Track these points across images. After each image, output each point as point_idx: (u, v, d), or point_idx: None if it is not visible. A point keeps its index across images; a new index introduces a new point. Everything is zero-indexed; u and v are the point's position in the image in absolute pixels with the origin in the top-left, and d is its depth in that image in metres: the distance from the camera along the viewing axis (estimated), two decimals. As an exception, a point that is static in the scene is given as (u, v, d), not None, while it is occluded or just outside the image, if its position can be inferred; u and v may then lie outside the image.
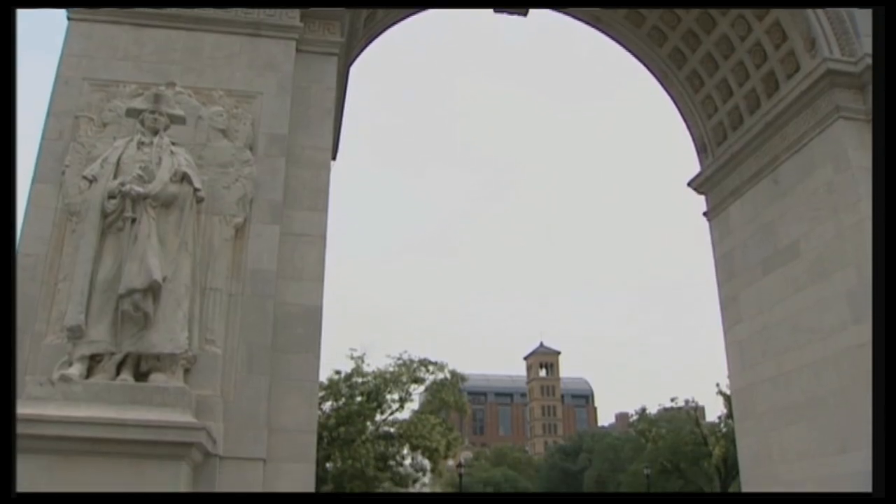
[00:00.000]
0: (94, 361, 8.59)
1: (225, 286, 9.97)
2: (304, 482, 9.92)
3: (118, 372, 8.65)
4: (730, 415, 43.90)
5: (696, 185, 16.89)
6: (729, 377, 16.85)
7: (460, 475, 49.49)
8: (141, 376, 8.74)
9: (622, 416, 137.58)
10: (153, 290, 8.77)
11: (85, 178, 9.28)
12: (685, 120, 17.02)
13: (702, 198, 16.93)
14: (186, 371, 9.18)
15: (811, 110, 12.41)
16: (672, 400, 57.73)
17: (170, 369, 8.82)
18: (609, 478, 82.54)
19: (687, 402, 56.46)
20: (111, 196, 8.96)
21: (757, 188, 14.69)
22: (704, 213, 16.72)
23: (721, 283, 16.04)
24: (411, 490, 43.79)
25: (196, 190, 9.49)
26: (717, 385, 49.39)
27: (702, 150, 16.75)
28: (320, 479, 36.70)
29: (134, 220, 8.95)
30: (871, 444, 4.61)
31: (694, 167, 17.11)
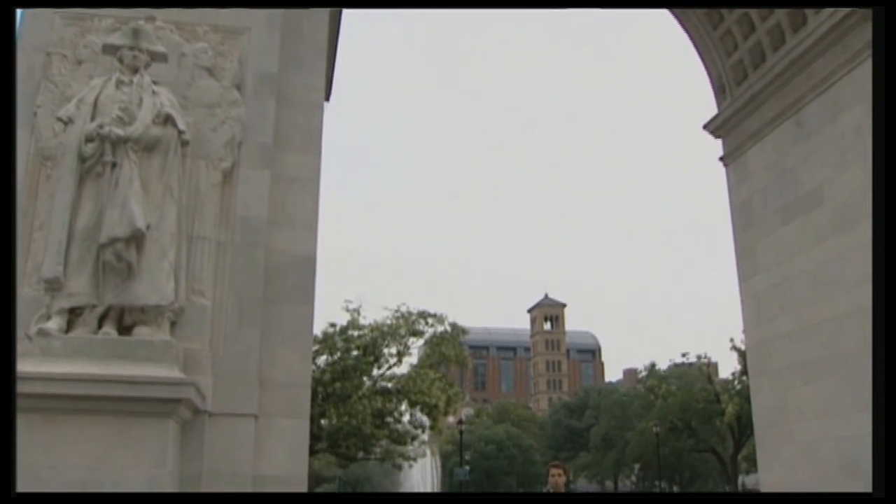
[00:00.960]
0: (73, 315, 8.56)
1: (213, 234, 9.93)
2: (297, 439, 10.03)
3: (100, 326, 8.62)
4: (744, 371, 44.19)
5: (713, 127, 16.69)
6: (744, 332, 16.90)
7: (461, 432, 50.26)
8: (124, 330, 8.73)
9: (630, 372, 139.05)
10: (136, 239, 8.71)
11: (60, 119, 9.13)
12: (702, 58, 16.73)
13: (718, 142, 16.76)
14: (173, 324, 9.18)
15: (840, 47, 12.18)
16: (683, 355, 57.65)
17: (155, 322, 8.81)
18: (616, 436, 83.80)
19: (699, 357, 56.53)
20: (89, 139, 8.83)
21: (778, 131, 14.51)
22: (721, 158, 16.57)
23: (737, 233, 15.98)
24: (409, 447, 44.42)
25: (180, 132, 9.36)
26: (732, 340, 49.34)
27: (719, 90, 16.51)
28: (315, 436, 37.21)
29: (114, 165, 8.84)
30: (872, 444, 4.77)
31: (711, 109, 16.90)
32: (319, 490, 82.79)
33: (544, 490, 8.38)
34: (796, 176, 13.81)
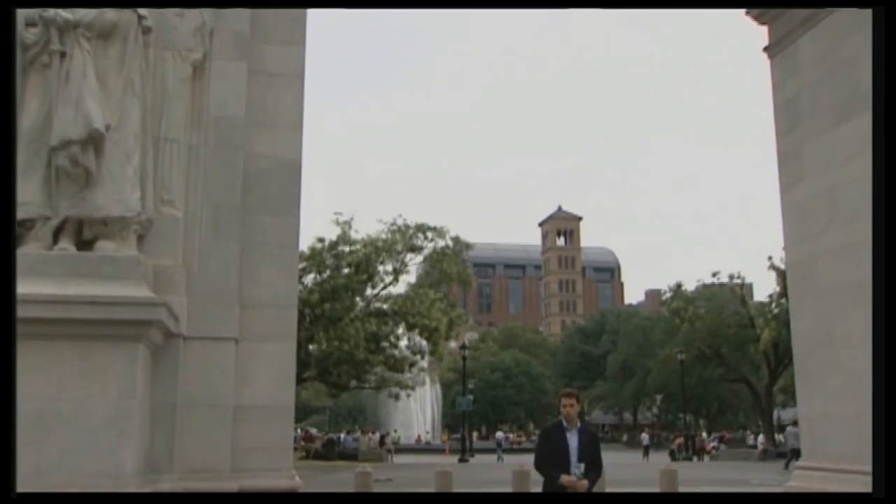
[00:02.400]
0: (24, 229, 8.41)
1: (183, 136, 9.75)
2: (283, 365, 10.09)
3: (55, 240, 8.50)
4: (783, 292, 44.39)
5: (757, 12, 16.18)
6: (784, 248, 16.83)
7: (463, 358, 50.99)
8: (84, 245, 8.60)
9: (653, 294, 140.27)
10: (94, 142, 8.51)
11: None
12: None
13: (763, 29, 16.31)
14: (140, 238, 9.08)
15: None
16: (714, 275, 57.48)
17: (120, 236, 8.68)
18: (636, 363, 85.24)
19: (731, 277, 56.19)
20: (30, 23, 8.54)
21: (835, 16, 14.06)
22: (765, 48, 16.13)
23: (781, 135, 15.69)
24: (407, 375, 45.14)
25: (141, 17, 9.05)
26: (770, 258, 49.33)
27: (768, -33, 15.96)
28: (302, 362, 37.76)
29: (64, 55, 8.57)
30: (872, 445, 5.04)
31: (757, -10, 16.37)
32: (308, 422, 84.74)
33: (555, 421, 8.36)
34: (854, 69, 13.44)
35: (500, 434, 60.84)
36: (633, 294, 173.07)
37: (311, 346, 40.87)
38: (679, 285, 63.25)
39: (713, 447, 55.15)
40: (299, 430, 54.83)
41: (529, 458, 9.07)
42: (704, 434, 60.69)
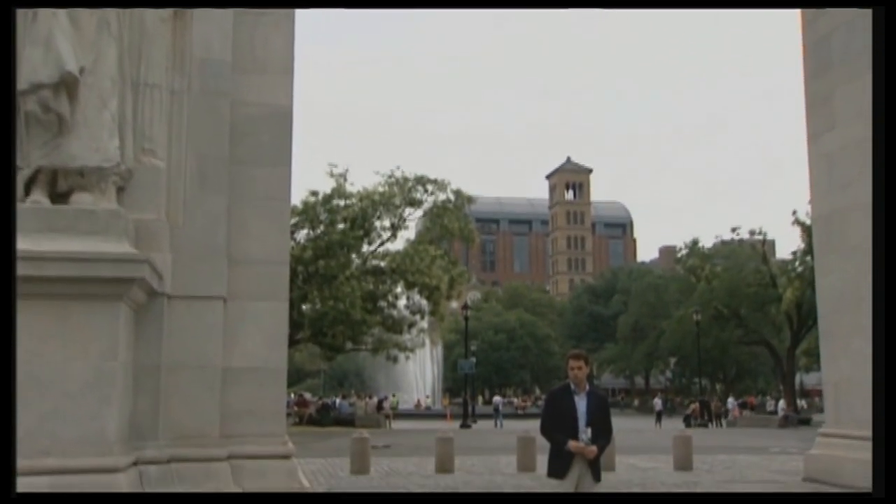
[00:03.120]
0: (-10, 180, 8.36)
1: (165, 81, 9.65)
2: (274, 325, 10.10)
3: (27, 192, 8.43)
4: (809, 249, 44.20)
5: (788, -55, 15.92)
6: (811, 201, 16.72)
7: (466, 319, 51.12)
8: (59, 198, 8.53)
9: (667, 251, 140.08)
10: (67, 86, 8.39)
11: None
12: None
13: (793, -37, 16.04)
14: (120, 190, 9.01)
15: None
16: (733, 230, 57.07)
17: (97, 188, 8.60)
18: (648, 324, 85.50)
19: (752, 233, 55.81)
20: None
21: (871, -50, 13.83)
22: (796, -15, 15.90)
23: (810, 77, 15.51)
24: (406, 336, 45.27)
25: (115, -52, 8.89)
26: (794, 213, 48.98)
27: None
28: (295, 323, 37.82)
29: (30, -10, 8.43)
30: (872, 444, 5.34)
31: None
32: (301, 386, 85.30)
33: (563, 384, 8.35)
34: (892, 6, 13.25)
35: (497, 398, 61.07)
36: (646, 251, 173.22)
37: (304, 306, 40.91)
38: (695, 242, 63.07)
39: (736, 413, 55.18)
40: (292, 395, 55.20)
41: (535, 424, 9.10)
42: (731, 400, 60.71)
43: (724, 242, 63.67)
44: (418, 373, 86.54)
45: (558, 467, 7.97)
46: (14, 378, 5.92)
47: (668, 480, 16.42)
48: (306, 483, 10.28)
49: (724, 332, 63.30)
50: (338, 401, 52.34)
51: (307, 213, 40.14)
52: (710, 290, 57.68)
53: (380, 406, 49.75)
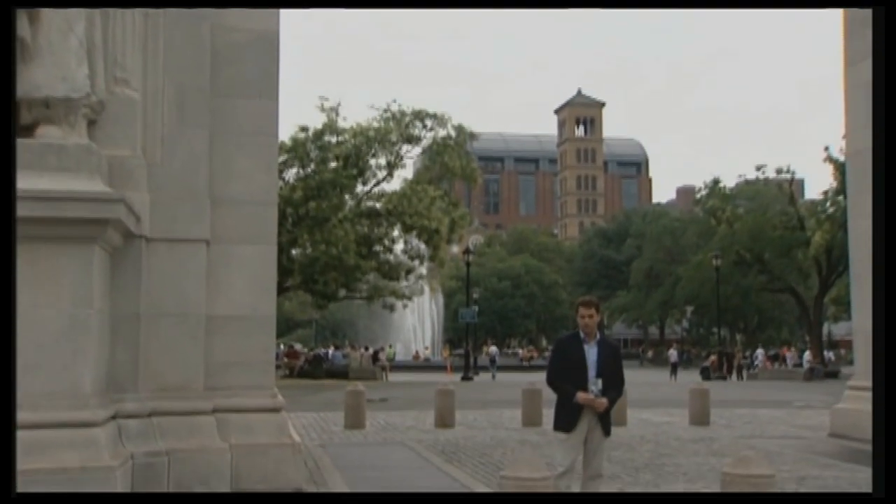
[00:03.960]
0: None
1: (138, 3, 9.52)
2: (262, 270, 10.11)
3: (-12, 124, 8.38)
4: (841, 189, 44.03)
5: None
6: (846, 135, 16.61)
7: (467, 264, 51.19)
8: (23, 131, 8.43)
9: (685, 192, 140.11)
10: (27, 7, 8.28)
11: None
12: None
13: None
14: (91, 123, 8.94)
15: None
16: (758, 169, 56.64)
17: (66, 121, 8.52)
18: (664, 270, 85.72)
19: (779, 171, 55.35)
20: None
21: None
22: None
23: None
24: (403, 283, 45.42)
25: None
26: (826, 149, 48.71)
27: None
28: (284, 269, 37.89)
29: None
30: (872, 444, 5.70)
31: None
32: (291, 336, 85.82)
33: (572, 332, 8.36)
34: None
35: (493, 349, 61.27)
36: (663, 192, 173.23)
37: (293, 251, 40.96)
38: (716, 181, 62.74)
39: (768, 364, 55.21)
40: (282, 346, 55.56)
41: (541, 377, 9.13)
42: (759, 351, 60.91)
43: (747, 182, 63.42)
44: (416, 322, 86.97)
45: (566, 420, 8.03)
46: (14, 378, 5.96)
47: (684, 435, 16.60)
48: (297, 438, 10.39)
49: (745, 278, 63.39)
50: (330, 352, 52.72)
51: (296, 151, 39.99)
52: (731, 234, 57.64)
53: (375, 357, 50.10)
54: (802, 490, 10.55)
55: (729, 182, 65.83)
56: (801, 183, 62.40)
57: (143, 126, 9.49)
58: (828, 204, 51.36)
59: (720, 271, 56.62)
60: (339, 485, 10.68)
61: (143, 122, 9.47)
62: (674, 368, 53.33)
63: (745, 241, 56.86)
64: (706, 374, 48.98)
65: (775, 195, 58.07)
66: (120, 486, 7.89)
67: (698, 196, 68.24)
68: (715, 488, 9.83)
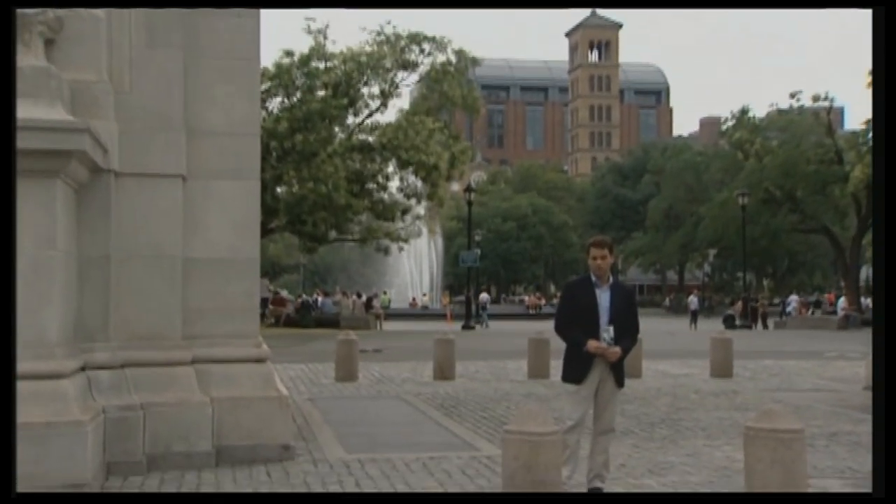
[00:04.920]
0: None
1: None
2: (244, 208, 10.07)
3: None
4: (884, 119, 43.73)
5: None
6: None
7: (469, 203, 51.08)
8: (-29, 52, 8.39)
9: (710, 123, 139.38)
10: None
11: None
12: None
13: None
14: (49, 43, 8.80)
15: None
16: (792, 96, 55.95)
17: (19, 39, 8.40)
18: (684, 210, 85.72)
19: (816, 98, 54.73)
20: None
21: None
22: None
23: None
24: (399, 224, 45.46)
25: None
26: (870, 73, 48.34)
27: None
28: (269, 209, 37.93)
29: None
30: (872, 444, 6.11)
31: None
32: (277, 282, 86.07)
33: (583, 276, 8.34)
34: None
35: (484, 296, 60.95)
36: (685, 123, 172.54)
37: (278, 189, 40.95)
38: (745, 111, 62.19)
39: (803, 311, 55.01)
40: (269, 289, 55.75)
41: (547, 326, 9.14)
42: (793, 297, 60.91)
43: (780, 112, 62.99)
44: (413, 267, 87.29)
45: (575, 371, 8.04)
46: (14, 377, 5.97)
47: (704, 388, 16.72)
48: (284, 390, 10.44)
49: (775, 218, 63.17)
50: (320, 299, 52.87)
51: (281, 78, 39.78)
52: (760, 169, 57.29)
53: (369, 305, 50.29)
54: (833, 446, 10.64)
55: (759, 112, 65.29)
56: (841, 112, 62.01)
57: (109, 47, 9.37)
58: (869, 135, 50.97)
59: (747, 210, 56.30)
60: (329, 441, 10.78)
61: (108, 42, 9.35)
62: (694, 316, 53.58)
63: (776, 176, 56.52)
64: (729, 323, 49.15)
65: (810, 125, 57.55)
66: (90, 442, 7.93)
67: (724, 128, 67.81)
68: (737, 444, 9.92)
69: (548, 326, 12.77)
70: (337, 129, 41.03)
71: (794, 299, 59.39)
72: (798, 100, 55.80)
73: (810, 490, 7.31)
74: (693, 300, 57.38)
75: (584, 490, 8.08)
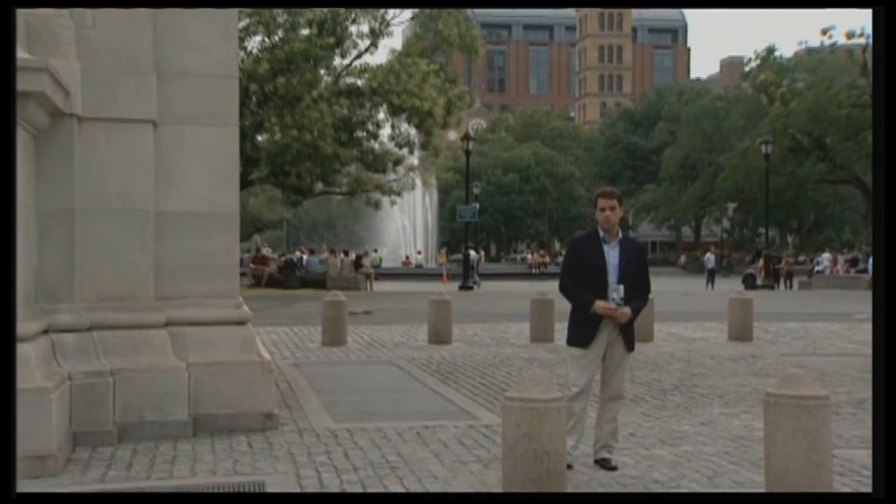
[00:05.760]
0: None
1: None
2: (221, 157, 10.05)
3: None
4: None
5: None
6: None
7: (467, 153, 50.95)
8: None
9: (731, 64, 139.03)
10: None
11: None
12: None
13: None
14: (4, -26, 8.78)
15: None
16: (824, 33, 55.55)
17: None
18: (702, 160, 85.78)
19: (850, 35, 54.18)
20: None
21: None
22: None
23: None
24: (391, 176, 45.39)
25: None
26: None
27: None
28: (249, 158, 37.88)
29: None
30: (872, 443, 6.33)
31: None
32: (260, 237, 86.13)
33: (589, 230, 8.33)
34: None
35: (472, 253, 60.03)
36: (703, 65, 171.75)
37: (259, 137, 40.82)
38: (770, 50, 61.95)
39: (834, 269, 54.90)
40: (257, 241, 55.72)
41: (551, 286, 9.13)
42: (825, 255, 60.80)
43: (809, 51, 62.79)
44: (407, 222, 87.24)
45: (581, 333, 8.08)
46: (14, 377, 5.99)
47: (721, 353, 16.79)
48: (266, 355, 10.48)
49: (801, 168, 62.91)
50: (305, 257, 52.91)
51: (260, 15, 39.46)
52: (786, 114, 57.02)
53: (358, 263, 50.35)
54: (861, 414, 10.71)
55: (786, 51, 65.13)
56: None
57: (70, -23, 9.30)
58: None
59: (770, 160, 56.07)
60: (315, 409, 10.84)
61: (69, -28, 9.29)
62: (711, 276, 53.59)
63: (803, 122, 56.26)
64: (750, 282, 49.23)
65: (843, 66, 57.17)
66: (55, 411, 7.97)
67: (747, 69, 67.59)
68: (756, 412, 9.99)
69: (552, 286, 12.79)
70: (322, 71, 40.80)
71: (825, 257, 59.05)
72: (830, 37, 55.55)
73: (835, 461, 7.38)
74: (710, 258, 57.34)
75: (590, 461, 8.16)
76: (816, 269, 56.52)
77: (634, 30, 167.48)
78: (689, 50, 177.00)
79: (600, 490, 7.43)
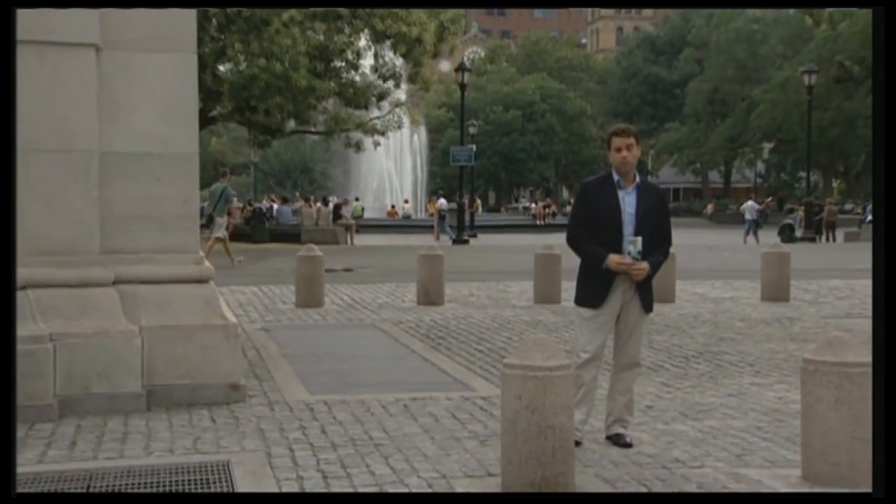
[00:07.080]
0: None
1: None
2: (177, 89, 10.02)
3: None
4: None
5: None
6: None
7: (462, 87, 50.81)
8: None
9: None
10: None
11: None
12: None
13: None
14: None
15: None
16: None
17: None
18: (734, 94, 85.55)
19: None
20: None
21: None
22: None
23: None
24: (374, 113, 45.29)
25: None
26: None
27: None
28: (209, 92, 37.71)
29: None
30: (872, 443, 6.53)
31: None
32: (225, 181, 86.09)
33: (602, 174, 8.29)
34: None
35: (442, 202, 58.76)
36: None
37: (221, 67, 40.62)
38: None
39: None
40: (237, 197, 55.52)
41: (558, 239, 9.10)
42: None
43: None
44: (392, 167, 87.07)
45: (592, 292, 8.06)
46: (14, 378, 6.00)
47: (753, 315, 16.85)
48: (232, 317, 10.47)
49: (850, 101, 62.55)
50: (276, 207, 52.93)
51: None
52: (833, 38, 56.75)
53: (337, 214, 50.37)
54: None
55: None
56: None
57: None
58: None
59: (814, 92, 55.46)
60: (288, 380, 10.89)
61: None
62: (751, 228, 52.24)
63: (854, 47, 55.96)
64: (787, 234, 48.98)
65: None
66: (-12, 380, 8.00)
67: (785, -12, 67.24)
68: (792, 382, 10.05)
69: (559, 239, 12.80)
70: (294, -9, 40.59)
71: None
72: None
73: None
74: (751, 206, 55.12)
75: (601, 437, 8.20)
76: (867, 219, 56.20)
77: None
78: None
79: (612, 469, 7.47)
